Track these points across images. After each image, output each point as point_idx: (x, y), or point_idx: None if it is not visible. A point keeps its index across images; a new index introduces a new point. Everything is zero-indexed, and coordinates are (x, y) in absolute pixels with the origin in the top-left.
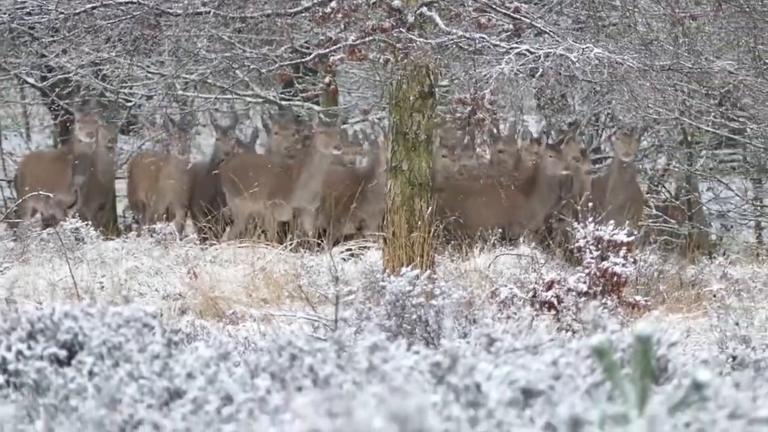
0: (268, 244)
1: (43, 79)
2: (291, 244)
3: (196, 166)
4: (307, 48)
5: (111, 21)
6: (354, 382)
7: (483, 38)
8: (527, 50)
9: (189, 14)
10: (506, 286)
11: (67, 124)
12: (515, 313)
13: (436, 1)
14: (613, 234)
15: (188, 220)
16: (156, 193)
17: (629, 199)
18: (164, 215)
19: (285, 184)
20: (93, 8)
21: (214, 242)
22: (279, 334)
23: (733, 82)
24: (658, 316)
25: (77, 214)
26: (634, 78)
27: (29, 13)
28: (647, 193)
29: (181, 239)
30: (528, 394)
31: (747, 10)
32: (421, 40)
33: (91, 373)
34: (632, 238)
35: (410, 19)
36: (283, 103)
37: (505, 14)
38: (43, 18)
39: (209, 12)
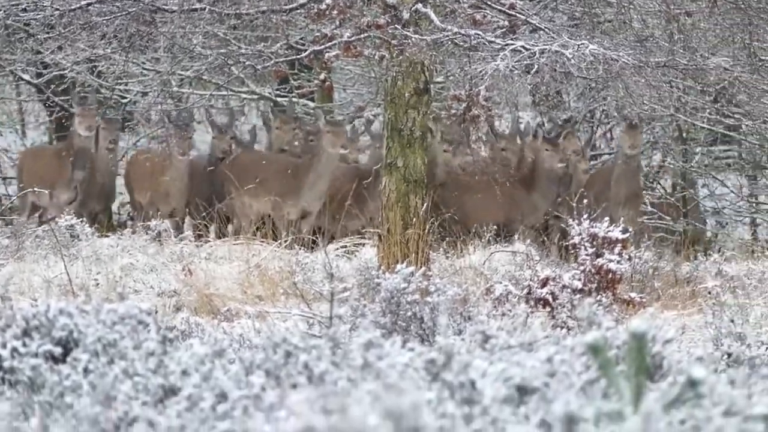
0: (263, 241)
1: (39, 75)
2: (286, 241)
3: (192, 163)
4: (303, 44)
5: (106, 17)
6: (349, 379)
7: (478, 35)
8: (522, 47)
9: (184, 11)
10: (501, 283)
11: (63, 121)
12: (510, 310)
13: None
14: (608, 231)
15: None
16: (157, 194)
17: (632, 193)
18: (168, 215)
19: (293, 184)
20: (88, 5)
21: (209, 239)
22: (274, 331)
23: (728, 79)
24: (653, 313)
25: (77, 214)
26: (630, 74)
27: (24, 10)
28: (642, 190)
29: (176, 237)
30: (523, 392)
31: (742, 6)
32: (417, 36)
33: (86, 371)
34: (627, 234)
35: (405, 15)
36: (279, 99)
37: (500, 11)
38: (38, 14)
39: (204, 8)
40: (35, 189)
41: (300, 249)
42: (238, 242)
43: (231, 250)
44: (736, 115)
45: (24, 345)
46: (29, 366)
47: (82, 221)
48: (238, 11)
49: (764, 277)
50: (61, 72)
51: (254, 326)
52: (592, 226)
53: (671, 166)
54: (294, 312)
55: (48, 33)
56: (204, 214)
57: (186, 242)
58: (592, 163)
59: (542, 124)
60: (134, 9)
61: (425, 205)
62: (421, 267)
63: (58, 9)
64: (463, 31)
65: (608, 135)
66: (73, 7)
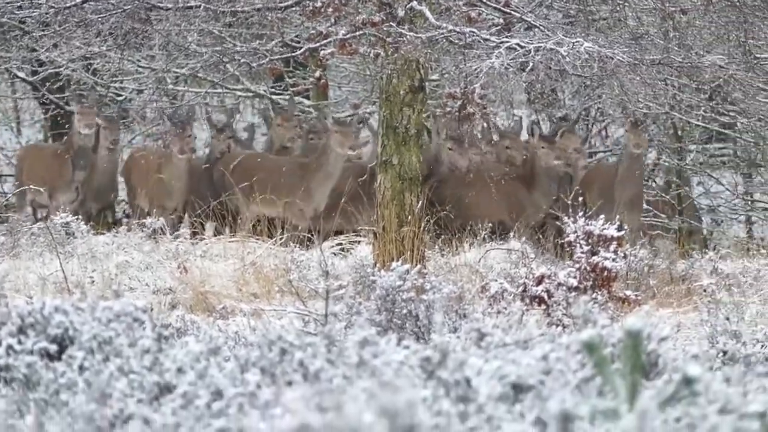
0: (258, 239)
1: (34, 73)
2: (281, 239)
3: (191, 161)
4: (298, 42)
5: (101, 15)
6: (344, 376)
7: (473, 32)
8: (517, 44)
9: (179, 8)
10: (496, 280)
11: (58, 119)
12: (505, 308)
13: None
14: (604, 228)
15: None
16: (156, 192)
17: (636, 194)
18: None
19: (303, 186)
20: (83, 2)
21: (204, 237)
22: (269, 328)
23: (723, 77)
24: (649, 310)
25: (75, 213)
26: (625, 72)
27: (20, 7)
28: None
29: (172, 234)
30: (518, 389)
31: (737, 4)
32: (412, 34)
33: (81, 368)
34: (622, 232)
35: (400, 13)
36: (274, 97)
37: (495, 8)
38: (33, 12)
39: (200, 6)
40: (31, 186)
41: (295, 247)
42: (234, 240)
43: (226, 247)
44: (731, 113)
45: (19, 342)
46: (24, 363)
47: (77, 219)
48: (233, 8)
49: (759, 275)
50: (57, 70)
51: (249, 324)
52: (588, 224)
53: (666, 163)
54: (289, 310)
55: (43, 30)
56: (199, 211)
57: (181, 240)
58: (587, 161)
59: (537, 121)
60: (129, 6)
61: (420, 202)
62: (416, 265)
63: (53, 6)
64: (458, 29)
65: (603, 133)
66: (68, 5)
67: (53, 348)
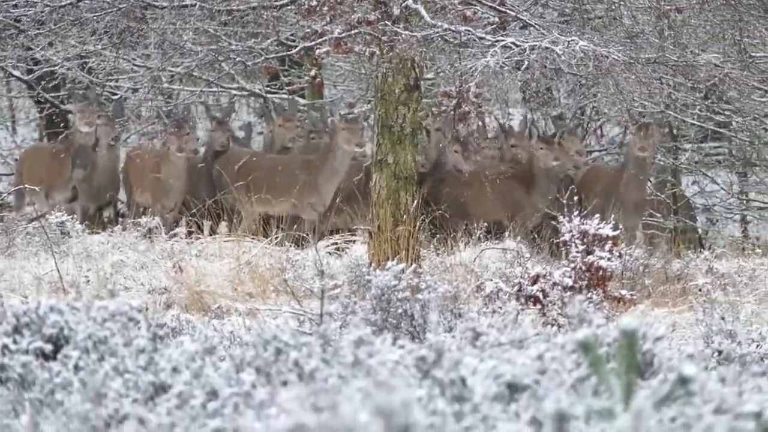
0: (253, 239)
1: (29, 71)
2: (276, 238)
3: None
4: (293, 41)
5: (97, 13)
6: (339, 376)
7: (468, 31)
8: (512, 43)
9: (175, 7)
10: (492, 280)
11: (53, 117)
12: (500, 308)
13: None
14: (599, 228)
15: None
16: (155, 192)
17: (640, 197)
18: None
19: (310, 184)
20: (79, 1)
21: (200, 236)
22: (264, 328)
23: (718, 75)
24: (644, 310)
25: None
26: (620, 71)
27: (15, 6)
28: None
29: (167, 233)
30: (513, 389)
31: (732, 2)
32: (407, 33)
33: (76, 368)
34: (617, 232)
35: (396, 11)
36: (269, 96)
37: (490, 7)
38: (29, 10)
39: (195, 4)
40: (26, 186)
41: (290, 246)
42: (229, 239)
43: (222, 247)
44: (726, 112)
45: (14, 342)
46: (20, 363)
47: (72, 218)
48: (228, 7)
49: (755, 275)
50: (52, 68)
51: (245, 323)
52: (583, 223)
53: (661, 162)
54: (284, 309)
55: (38, 29)
56: (195, 211)
57: (177, 239)
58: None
59: (534, 122)
60: (125, 5)
61: (416, 201)
62: (411, 264)
63: (48, 5)
64: (453, 28)
65: (599, 132)
66: (63, 3)
67: (48, 347)
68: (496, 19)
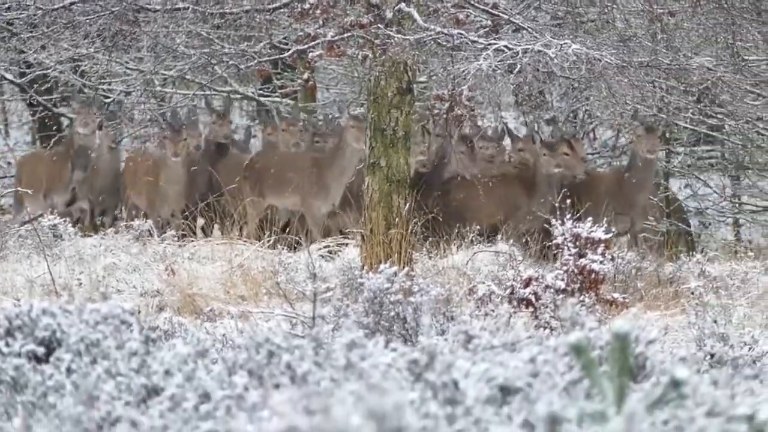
0: (246, 241)
1: (22, 75)
2: (269, 241)
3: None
4: (286, 44)
5: (89, 17)
6: (331, 379)
7: (461, 34)
8: (505, 46)
9: (168, 10)
10: (484, 283)
11: (46, 120)
12: (493, 311)
13: None
14: (591, 231)
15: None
16: (153, 196)
17: (646, 201)
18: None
19: (319, 181)
20: (71, 4)
21: (193, 239)
22: (257, 331)
23: (711, 79)
24: (636, 313)
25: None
26: (612, 74)
27: (8, 9)
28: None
29: (159, 236)
30: (506, 392)
31: (725, 6)
32: (400, 36)
33: (69, 370)
34: (610, 235)
35: (388, 15)
36: (262, 99)
37: (483, 10)
38: (21, 14)
39: (188, 8)
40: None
41: (283, 249)
42: (221, 242)
43: (214, 249)
44: (719, 116)
45: (7, 345)
46: (12, 366)
47: (65, 221)
48: (221, 10)
49: (747, 278)
50: (45, 71)
51: (237, 326)
52: (575, 226)
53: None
54: (277, 312)
55: (31, 32)
56: (186, 213)
57: (169, 242)
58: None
59: (538, 126)
60: (117, 8)
61: (408, 204)
62: (404, 267)
63: (41, 8)
64: (446, 31)
65: (591, 135)
66: (56, 6)
67: (41, 350)
68: (489, 23)
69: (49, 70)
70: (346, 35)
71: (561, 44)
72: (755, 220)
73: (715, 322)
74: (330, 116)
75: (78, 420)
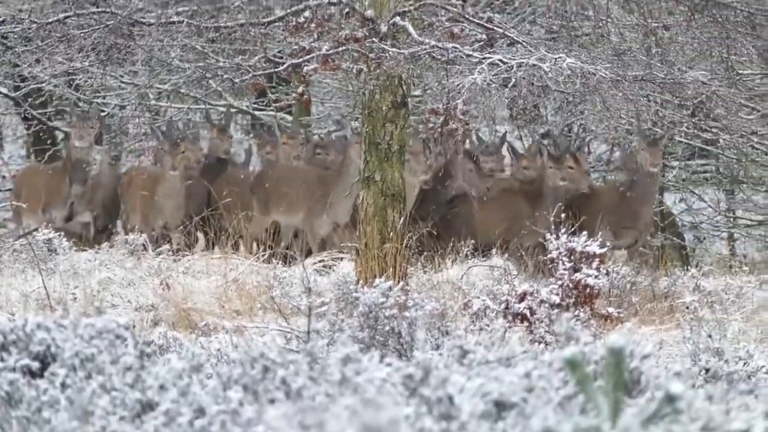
0: (240, 256)
1: (16, 88)
2: (263, 256)
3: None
4: (281, 58)
5: (84, 30)
6: (326, 394)
7: (456, 48)
8: (500, 60)
9: (162, 24)
10: (479, 297)
11: (41, 134)
12: (488, 325)
13: (409, 11)
14: (586, 245)
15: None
16: (151, 210)
17: (651, 213)
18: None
19: (324, 199)
20: (66, 17)
21: (187, 253)
22: (251, 345)
23: (705, 93)
24: (631, 328)
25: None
26: (607, 88)
27: (2, 22)
28: None
29: (154, 251)
30: (501, 407)
31: (720, 20)
32: (394, 50)
33: (63, 385)
34: (605, 249)
35: (383, 29)
36: (257, 113)
37: (478, 24)
38: (15, 27)
39: (182, 21)
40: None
41: (277, 263)
42: (216, 256)
43: (209, 264)
44: (713, 129)
45: (1, 359)
46: (6, 381)
47: (60, 235)
48: (216, 24)
49: (742, 292)
50: (39, 85)
51: (232, 341)
52: (570, 241)
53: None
54: (271, 327)
55: (25, 46)
56: (182, 227)
57: (164, 256)
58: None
59: (543, 140)
60: (112, 22)
61: (402, 219)
62: (398, 281)
63: (35, 22)
64: (440, 45)
65: (586, 149)
66: (50, 20)
67: (35, 365)
68: (484, 37)
69: (44, 84)
70: (340, 49)
71: (556, 58)
72: (750, 235)
73: (710, 336)
74: (334, 130)
75: None
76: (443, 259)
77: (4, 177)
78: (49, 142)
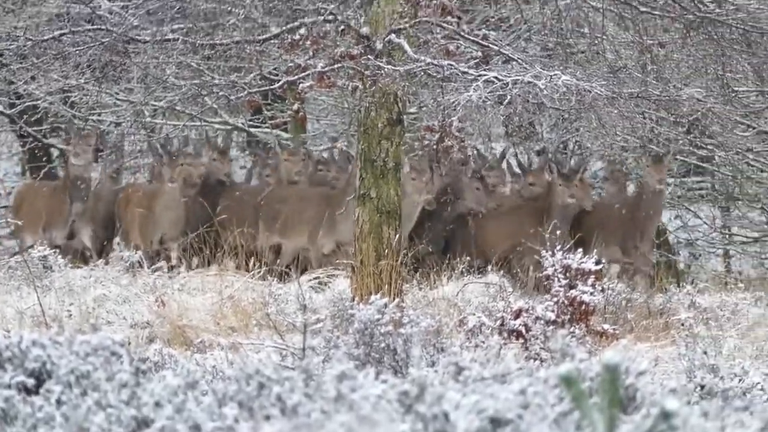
0: (236, 273)
1: (12, 105)
2: (259, 272)
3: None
4: (276, 75)
5: (79, 48)
6: (322, 411)
7: (451, 65)
8: (495, 77)
9: (157, 41)
10: (474, 314)
11: (36, 152)
12: (483, 342)
13: (405, 28)
14: (581, 262)
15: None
16: (147, 224)
17: (655, 230)
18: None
19: (329, 219)
20: (61, 35)
21: (181, 270)
22: (247, 362)
23: (701, 110)
24: (626, 344)
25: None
26: (602, 105)
27: None
28: None
29: (149, 267)
30: (496, 423)
31: (715, 37)
32: (390, 67)
33: (59, 402)
34: (601, 266)
35: (379, 46)
36: (252, 130)
37: (473, 41)
38: (11, 45)
39: (178, 39)
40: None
41: (273, 280)
42: (211, 273)
43: (204, 281)
44: (709, 146)
45: None
46: (2, 397)
47: (54, 253)
48: (211, 42)
49: (737, 309)
50: (34, 102)
51: (227, 358)
52: (565, 258)
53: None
54: (267, 343)
55: (21, 63)
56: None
57: (159, 273)
58: None
59: (554, 157)
60: (107, 39)
61: (398, 236)
62: (394, 298)
63: (31, 39)
64: (436, 62)
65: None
66: (46, 38)
67: (31, 382)
68: (479, 54)
69: (39, 101)
70: (336, 66)
71: (551, 75)
72: (745, 252)
73: (705, 353)
74: (329, 147)
75: None
76: (439, 275)
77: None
78: (44, 159)
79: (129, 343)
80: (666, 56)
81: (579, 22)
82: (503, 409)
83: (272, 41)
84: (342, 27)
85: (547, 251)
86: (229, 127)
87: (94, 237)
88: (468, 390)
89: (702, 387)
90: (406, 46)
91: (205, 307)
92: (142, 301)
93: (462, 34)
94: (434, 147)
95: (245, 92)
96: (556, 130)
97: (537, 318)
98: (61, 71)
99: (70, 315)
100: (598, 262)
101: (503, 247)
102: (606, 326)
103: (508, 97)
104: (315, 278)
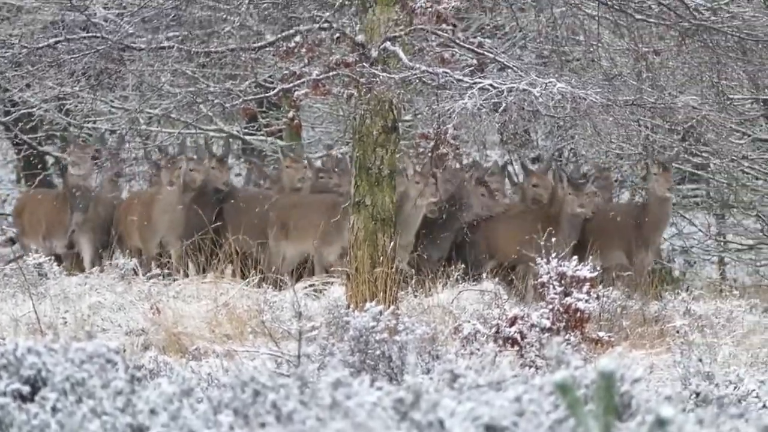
0: (231, 280)
1: (7, 113)
2: (254, 280)
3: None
4: (271, 82)
5: (74, 55)
6: (317, 418)
7: (446, 73)
8: (490, 85)
9: (153, 49)
10: (469, 321)
11: (31, 159)
12: (478, 349)
13: (400, 36)
14: (576, 270)
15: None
16: (146, 228)
17: (660, 237)
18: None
19: (336, 227)
20: (56, 42)
21: (177, 278)
22: (242, 370)
23: (696, 117)
24: (622, 352)
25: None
26: (598, 113)
27: None
28: None
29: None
30: (491, 431)
31: (710, 45)
32: (385, 74)
33: (54, 409)
34: (596, 273)
35: (374, 53)
36: (247, 137)
37: (468, 49)
38: (6, 52)
39: (173, 46)
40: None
41: (268, 288)
42: (207, 281)
43: (199, 288)
44: (704, 154)
45: None
46: None
47: (50, 260)
48: (206, 49)
49: (732, 316)
50: (30, 110)
51: (222, 365)
52: (561, 265)
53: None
54: (262, 351)
55: (16, 70)
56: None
57: (154, 281)
58: None
59: (561, 163)
60: (102, 47)
61: (393, 243)
62: (389, 306)
63: (26, 46)
64: (431, 70)
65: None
66: (41, 45)
67: (26, 389)
68: (474, 62)
69: (34, 109)
70: (331, 74)
71: (546, 83)
72: (740, 259)
73: (701, 360)
74: (326, 154)
75: None
76: (434, 283)
77: None
78: (39, 166)
79: (124, 351)
80: (661, 64)
81: (574, 29)
82: (498, 417)
83: (267, 49)
84: (337, 35)
85: (551, 259)
86: (224, 135)
87: (93, 246)
88: (463, 397)
89: (697, 394)
90: (402, 54)
91: (200, 314)
92: (137, 308)
93: (457, 41)
94: (429, 154)
95: (240, 100)
96: (552, 137)
97: (532, 325)
98: (56, 79)
99: (66, 322)
100: (594, 269)
101: (515, 252)
102: (601, 333)
103: (504, 104)
104: (310, 285)
